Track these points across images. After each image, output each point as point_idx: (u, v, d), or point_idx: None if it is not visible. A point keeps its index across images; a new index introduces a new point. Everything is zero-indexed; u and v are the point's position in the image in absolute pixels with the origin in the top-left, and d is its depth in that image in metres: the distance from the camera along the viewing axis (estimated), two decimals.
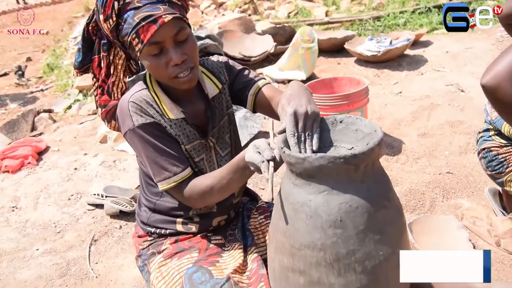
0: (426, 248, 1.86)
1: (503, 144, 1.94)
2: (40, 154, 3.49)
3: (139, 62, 1.34)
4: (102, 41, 1.29)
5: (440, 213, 2.24)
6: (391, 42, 4.56)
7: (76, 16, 10.00)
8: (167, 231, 1.44)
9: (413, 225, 1.99)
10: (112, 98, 1.38)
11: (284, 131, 1.04)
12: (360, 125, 1.06)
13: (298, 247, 0.97)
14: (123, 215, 2.55)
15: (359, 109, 2.71)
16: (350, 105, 2.65)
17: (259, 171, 1.05)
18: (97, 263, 2.21)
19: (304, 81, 3.83)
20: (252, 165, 1.06)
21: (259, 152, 1.05)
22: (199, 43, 4.04)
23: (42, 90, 5.72)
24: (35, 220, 2.64)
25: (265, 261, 1.32)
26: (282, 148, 0.97)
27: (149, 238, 1.47)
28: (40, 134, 4.09)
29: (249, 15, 6.89)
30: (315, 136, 1.05)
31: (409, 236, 1.39)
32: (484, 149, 2.00)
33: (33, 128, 4.29)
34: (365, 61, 4.62)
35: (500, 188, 2.18)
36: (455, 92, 3.71)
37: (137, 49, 1.15)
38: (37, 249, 2.36)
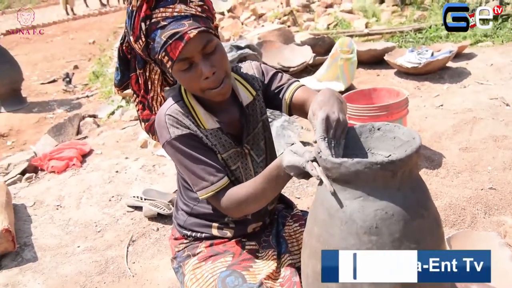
0: None
1: None
2: (84, 156, 3.63)
3: None
4: (137, 59, 1.33)
5: (481, 230, 2.16)
6: (432, 54, 4.45)
7: (120, 26, 10.38)
8: (203, 235, 1.45)
9: (452, 240, 1.93)
10: (153, 112, 1.42)
11: None
12: (398, 133, 1.05)
13: None
14: (160, 218, 2.61)
15: (398, 120, 2.67)
16: (389, 116, 2.62)
17: (301, 175, 1.06)
18: (134, 262, 2.27)
19: (342, 92, 3.81)
20: (294, 169, 1.06)
21: (298, 155, 1.05)
22: (238, 52, 4.10)
23: (87, 96, 5.98)
24: (78, 219, 2.75)
25: (298, 269, 1.32)
26: (319, 153, 0.98)
27: (185, 241, 1.49)
28: (85, 137, 4.26)
29: (289, 26, 6.93)
30: (341, 147, 1.05)
31: None
32: None
33: (78, 132, 4.48)
34: (405, 73, 4.54)
35: None
36: (499, 106, 3.58)
37: (168, 65, 1.17)
38: (78, 246, 2.45)
